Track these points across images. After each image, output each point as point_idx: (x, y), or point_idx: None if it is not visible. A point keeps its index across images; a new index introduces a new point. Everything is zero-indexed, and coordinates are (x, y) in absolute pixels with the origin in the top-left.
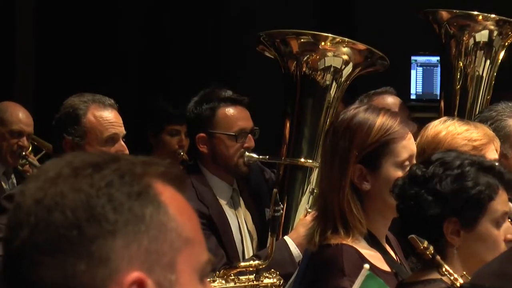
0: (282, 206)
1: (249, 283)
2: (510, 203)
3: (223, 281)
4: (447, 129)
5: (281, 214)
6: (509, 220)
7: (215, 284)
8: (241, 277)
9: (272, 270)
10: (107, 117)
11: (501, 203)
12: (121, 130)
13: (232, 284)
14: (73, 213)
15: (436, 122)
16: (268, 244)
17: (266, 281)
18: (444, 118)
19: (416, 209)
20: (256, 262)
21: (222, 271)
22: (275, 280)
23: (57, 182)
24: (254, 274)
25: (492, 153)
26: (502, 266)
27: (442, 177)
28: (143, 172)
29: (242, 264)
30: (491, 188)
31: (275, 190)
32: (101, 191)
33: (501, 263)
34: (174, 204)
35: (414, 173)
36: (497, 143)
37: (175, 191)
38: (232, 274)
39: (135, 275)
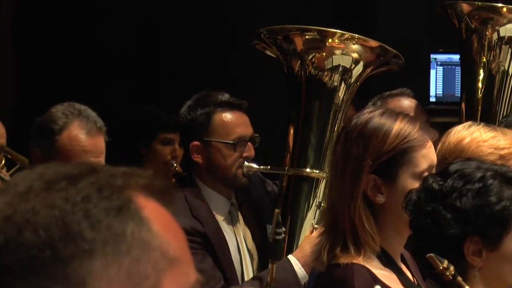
0: (284, 229)
1: None
2: None
3: None
4: (472, 135)
5: (284, 238)
6: None
7: None
8: None
9: None
10: (84, 142)
11: None
12: (99, 161)
13: None
14: (46, 232)
15: (460, 127)
16: (269, 270)
17: None
18: (468, 123)
19: (433, 227)
20: None
21: None
22: None
23: (28, 197)
24: None
25: None
26: None
27: (462, 191)
28: (124, 184)
29: None
30: None
31: (277, 210)
32: (77, 206)
33: None
34: (158, 219)
35: (430, 187)
36: None
37: (159, 205)
38: None
39: None
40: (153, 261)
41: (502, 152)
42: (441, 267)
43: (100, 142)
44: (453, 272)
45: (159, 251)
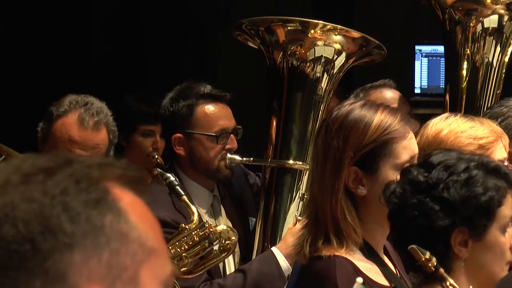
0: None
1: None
2: None
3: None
4: (449, 126)
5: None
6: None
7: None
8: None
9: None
10: (73, 131)
11: (509, 207)
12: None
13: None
14: (25, 226)
15: (437, 119)
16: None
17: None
18: (446, 114)
19: (420, 219)
20: None
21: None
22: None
23: (6, 191)
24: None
25: (500, 152)
26: None
27: (449, 183)
28: (100, 175)
29: None
30: (500, 193)
31: None
32: (55, 199)
33: None
34: (134, 210)
35: (415, 179)
36: (506, 139)
37: (135, 195)
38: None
39: None
40: (131, 253)
41: (481, 142)
42: (423, 259)
43: (91, 137)
44: (435, 264)
45: (137, 242)
